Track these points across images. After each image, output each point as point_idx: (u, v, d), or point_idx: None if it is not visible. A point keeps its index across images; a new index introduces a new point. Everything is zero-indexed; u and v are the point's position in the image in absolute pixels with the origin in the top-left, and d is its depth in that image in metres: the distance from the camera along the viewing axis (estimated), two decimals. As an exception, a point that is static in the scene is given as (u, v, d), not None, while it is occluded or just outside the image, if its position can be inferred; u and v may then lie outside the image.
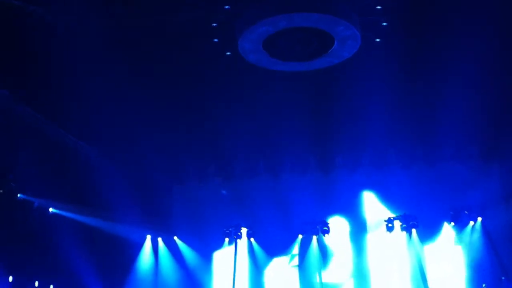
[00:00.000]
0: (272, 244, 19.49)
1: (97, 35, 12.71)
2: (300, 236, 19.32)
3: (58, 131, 16.19)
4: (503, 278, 16.82)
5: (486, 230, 17.84)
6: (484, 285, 17.02)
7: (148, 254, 19.88)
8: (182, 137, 17.76)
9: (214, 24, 13.54)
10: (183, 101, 16.21)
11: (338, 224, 19.29)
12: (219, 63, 14.76)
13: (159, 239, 20.08)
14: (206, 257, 19.99)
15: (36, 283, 16.50)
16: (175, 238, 20.15)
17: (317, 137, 17.28)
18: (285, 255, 19.63)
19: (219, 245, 19.62)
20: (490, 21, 12.64)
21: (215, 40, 14.00)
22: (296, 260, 19.54)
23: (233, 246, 19.12)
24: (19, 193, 16.50)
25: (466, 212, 18.07)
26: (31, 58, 13.32)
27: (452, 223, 18.36)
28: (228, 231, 19.12)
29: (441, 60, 14.31)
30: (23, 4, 12.12)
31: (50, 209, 17.52)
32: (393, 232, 18.26)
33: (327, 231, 18.74)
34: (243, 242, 19.38)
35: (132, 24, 13.09)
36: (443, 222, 18.55)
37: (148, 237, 19.94)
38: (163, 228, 20.03)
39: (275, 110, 16.39)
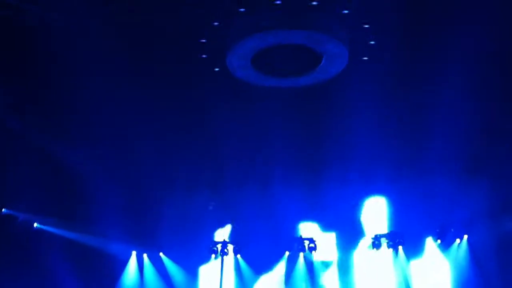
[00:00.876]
0: (258, 260, 19.33)
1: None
2: (287, 253, 19.26)
3: (47, 141, 16.01)
4: (488, 296, 16.87)
5: (472, 247, 17.90)
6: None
7: (133, 270, 19.65)
8: (173, 148, 17.65)
9: (203, 40, 13.61)
10: (173, 111, 16.20)
11: (325, 241, 19.22)
12: (208, 79, 14.80)
13: (145, 255, 19.89)
14: (191, 272, 19.74)
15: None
16: (161, 254, 19.97)
17: (305, 151, 17.32)
18: (271, 272, 19.49)
19: (205, 259, 19.42)
20: (481, 40, 12.79)
21: (204, 56, 14.06)
22: (282, 277, 19.43)
23: (219, 261, 18.97)
24: (3, 207, 16.35)
25: (452, 229, 18.15)
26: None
27: (439, 241, 18.40)
28: (214, 248, 18.99)
29: (428, 77, 14.52)
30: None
31: (35, 224, 17.35)
32: (379, 250, 18.30)
33: (314, 248, 18.70)
34: (229, 259, 19.23)
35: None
36: (430, 240, 18.59)
37: (134, 253, 19.75)
38: (150, 242, 19.81)
39: (265, 124, 16.40)
